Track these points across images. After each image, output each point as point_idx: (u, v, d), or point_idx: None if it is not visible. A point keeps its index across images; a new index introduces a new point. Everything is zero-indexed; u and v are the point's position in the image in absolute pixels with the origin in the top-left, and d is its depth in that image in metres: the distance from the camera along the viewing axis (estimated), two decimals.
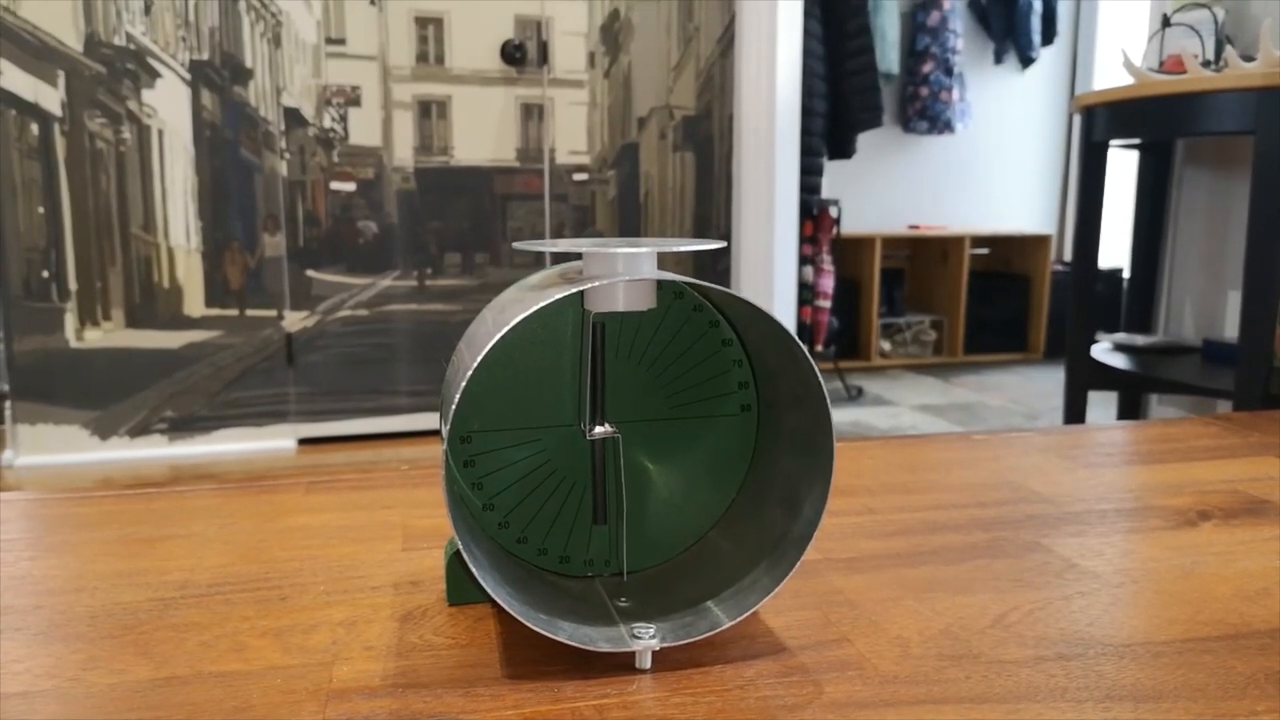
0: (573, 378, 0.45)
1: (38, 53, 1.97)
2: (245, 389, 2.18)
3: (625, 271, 0.40)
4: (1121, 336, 2.14)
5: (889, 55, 3.59)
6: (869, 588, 0.48)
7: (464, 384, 0.37)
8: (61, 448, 2.08)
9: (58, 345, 2.06)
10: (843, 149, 3.08)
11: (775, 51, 2.35)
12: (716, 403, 0.47)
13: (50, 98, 1.99)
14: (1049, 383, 3.34)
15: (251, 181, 2.13)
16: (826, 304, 2.99)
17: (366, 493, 0.63)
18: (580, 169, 2.33)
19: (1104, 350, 2.05)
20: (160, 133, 2.07)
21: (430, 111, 2.21)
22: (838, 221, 2.99)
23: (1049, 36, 3.89)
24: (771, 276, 2.44)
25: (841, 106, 2.99)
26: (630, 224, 2.38)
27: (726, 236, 2.44)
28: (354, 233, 2.21)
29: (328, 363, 2.23)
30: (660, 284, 0.44)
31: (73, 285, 2.05)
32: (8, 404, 2.07)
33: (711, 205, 2.43)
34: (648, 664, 0.39)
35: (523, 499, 0.46)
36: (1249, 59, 1.69)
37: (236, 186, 2.13)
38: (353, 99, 2.17)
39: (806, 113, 2.79)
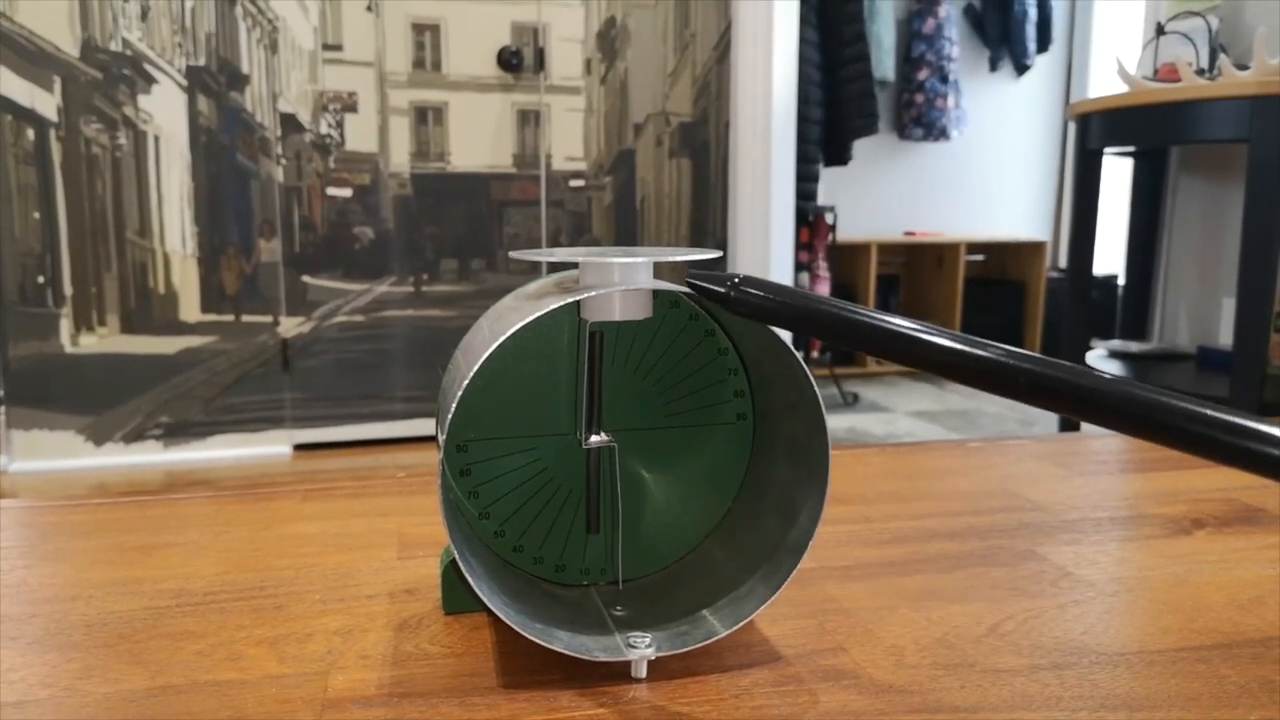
0: (569, 386, 0.45)
1: (34, 58, 1.97)
2: (241, 395, 2.18)
3: (621, 281, 0.40)
4: (1116, 343, 2.14)
5: (885, 62, 3.60)
6: (864, 596, 0.48)
7: (460, 393, 0.37)
8: (56, 453, 2.07)
9: (53, 350, 2.06)
10: (839, 156, 3.09)
11: (771, 58, 2.35)
12: (712, 411, 0.47)
13: (46, 103, 1.99)
14: None
15: (248, 187, 2.13)
16: None
17: (362, 500, 0.63)
18: (577, 175, 2.33)
19: (1099, 357, 2.05)
20: (156, 138, 2.07)
21: (427, 118, 2.22)
22: (833, 228, 2.99)
23: (1044, 44, 3.91)
24: None
25: (837, 113, 3.00)
26: (626, 230, 2.38)
27: (722, 243, 2.45)
28: (350, 238, 2.21)
29: (324, 368, 2.23)
30: (656, 292, 0.44)
31: (68, 290, 2.05)
32: (2, 409, 2.07)
33: (708, 211, 2.43)
34: (644, 673, 0.39)
35: (519, 507, 0.46)
36: (1243, 67, 1.70)
37: (232, 192, 2.13)
38: (349, 105, 2.17)
39: (802, 119, 2.80)
